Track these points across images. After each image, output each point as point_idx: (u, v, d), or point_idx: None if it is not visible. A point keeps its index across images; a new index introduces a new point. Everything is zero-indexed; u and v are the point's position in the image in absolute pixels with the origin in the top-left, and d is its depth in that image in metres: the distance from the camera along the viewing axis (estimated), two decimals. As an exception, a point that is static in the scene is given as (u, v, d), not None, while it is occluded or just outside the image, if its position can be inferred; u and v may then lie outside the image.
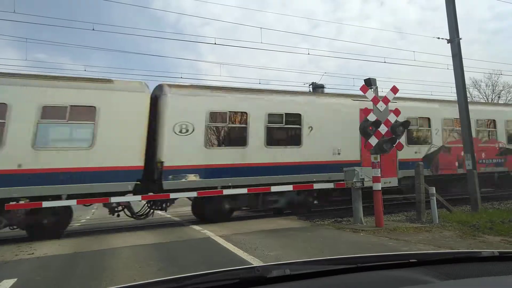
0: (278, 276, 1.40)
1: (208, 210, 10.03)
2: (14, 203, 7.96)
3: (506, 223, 7.93)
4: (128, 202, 9.25)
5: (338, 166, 10.60)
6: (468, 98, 15.03)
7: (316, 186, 10.47)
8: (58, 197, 8.37)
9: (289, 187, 10.24)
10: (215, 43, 20.76)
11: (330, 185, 10.30)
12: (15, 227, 8.73)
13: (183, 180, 9.42)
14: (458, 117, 11.61)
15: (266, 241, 6.98)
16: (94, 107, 8.79)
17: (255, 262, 5.27)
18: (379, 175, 8.46)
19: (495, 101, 33.10)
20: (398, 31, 66.36)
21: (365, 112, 8.71)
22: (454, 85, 10.99)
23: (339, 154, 11.17)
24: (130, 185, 8.92)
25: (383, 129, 8.35)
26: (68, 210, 8.92)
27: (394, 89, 8.68)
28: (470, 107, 11.21)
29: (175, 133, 9.42)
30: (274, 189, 10.08)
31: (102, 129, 8.76)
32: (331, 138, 11.09)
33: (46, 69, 43.32)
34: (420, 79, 42.16)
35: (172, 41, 65.38)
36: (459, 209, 10.74)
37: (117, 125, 8.88)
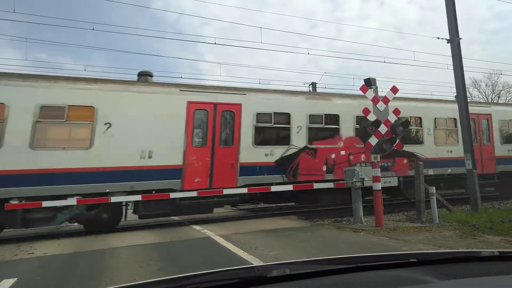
0: (278, 275, 1.40)
1: None
2: (14, 202, 7.98)
3: (506, 223, 7.94)
4: None
5: (148, 173, 9.01)
6: (468, 98, 15.03)
7: (316, 186, 10.45)
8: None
9: (289, 187, 10.22)
10: (215, 43, 20.81)
11: (330, 185, 10.30)
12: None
13: None
14: (331, 112, 11.22)
15: (266, 241, 6.98)
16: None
17: (255, 262, 5.27)
18: (379, 174, 8.47)
19: (495, 101, 33.09)
20: (398, 31, 66.37)
21: (367, 111, 8.66)
22: (454, 85, 11.01)
23: (150, 158, 9.09)
24: None
25: (383, 128, 8.37)
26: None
27: (394, 89, 8.69)
28: (347, 101, 11.48)
29: None
30: (274, 189, 10.07)
31: None
32: (138, 138, 9.03)
33: (46, 69, 43.35)
34: (420, 79, 42.19)
35: (172, 41, 65.44)
36: (459, 209, 10.76)
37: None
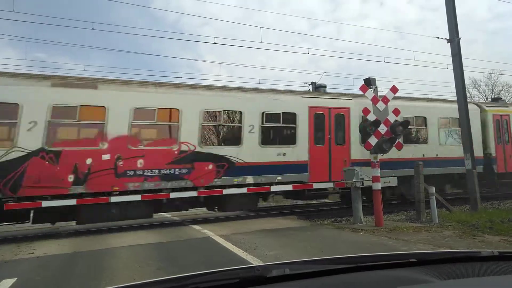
0: (277, 275, 1.40)
1: None
2: (14, 202, 7.97)
3: (505, 223, 7.95)
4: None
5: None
6: (468, 98, 14.97)
7: (316, 185, 10.45)
8: None
9: (289, 187, 10.23)
10: (214, 43, 20.84)
11: (330, 185, 10.30)
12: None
13: None
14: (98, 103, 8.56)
15: (266, 241, 6.99)
16: None
17: (255, 262, 5.28)
18: (379, 174, 8.47)
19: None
20: (397, 31, 66.36)
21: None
22: (454, 85, 11.01)
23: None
24: None
25: (383, 128, 8.36)
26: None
27: (394, 89, 8.68)
28: (124, 90, 8.96)
29: None
30: (274, 188, 10.08)
31: None
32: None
33: (46, 69, 43.33)
34: (420, 78, 42.17)
35: (172, 41, 65.41)
36: (459, 209, 10.76)
37: None
